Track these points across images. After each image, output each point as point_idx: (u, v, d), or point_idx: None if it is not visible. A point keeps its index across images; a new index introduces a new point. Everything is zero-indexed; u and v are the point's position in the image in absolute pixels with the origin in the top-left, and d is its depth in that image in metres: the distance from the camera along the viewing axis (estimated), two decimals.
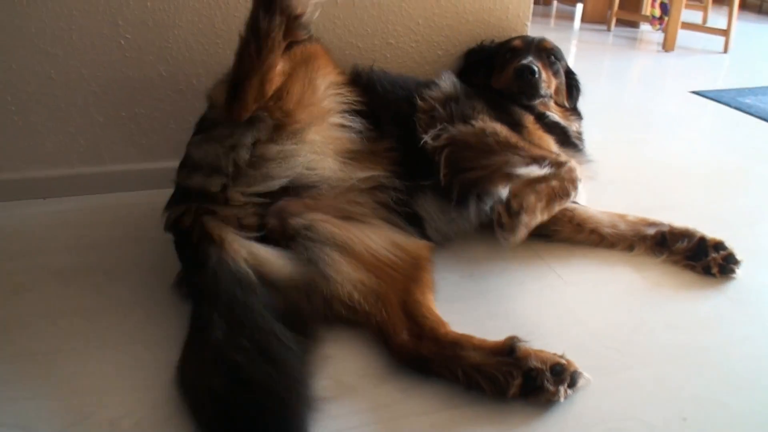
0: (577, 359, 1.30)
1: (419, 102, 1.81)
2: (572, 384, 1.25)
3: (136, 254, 1.76)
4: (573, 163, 1.64)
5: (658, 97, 3.78)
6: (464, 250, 1.83)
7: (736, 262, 1.71)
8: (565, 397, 1.25)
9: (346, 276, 1.45)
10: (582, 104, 2.13)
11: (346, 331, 1.46)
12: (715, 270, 1.71)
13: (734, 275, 1.71)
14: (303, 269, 1.42)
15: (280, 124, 1.48)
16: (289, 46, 1.48)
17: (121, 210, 1.88)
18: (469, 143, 1.69)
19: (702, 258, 1.73)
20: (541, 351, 1.28)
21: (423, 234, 1.70)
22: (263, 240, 1.45)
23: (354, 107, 1.65)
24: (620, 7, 5.73)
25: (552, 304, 1.62)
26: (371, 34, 2.19)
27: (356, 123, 1.64)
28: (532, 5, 2.31)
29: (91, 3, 1.90)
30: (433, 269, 1.61)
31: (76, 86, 1.98)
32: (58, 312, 1.51)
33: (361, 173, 1.61)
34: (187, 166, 1.55)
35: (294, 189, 1.50)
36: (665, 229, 1.81)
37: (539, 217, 1.54)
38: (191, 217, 1.45)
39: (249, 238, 1.43)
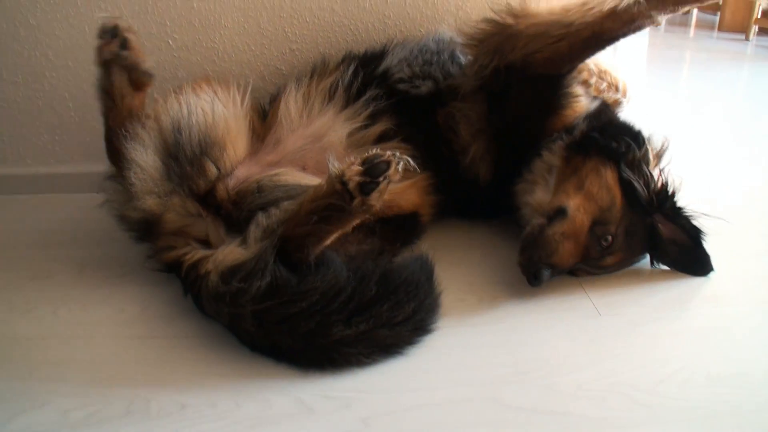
0: (590, 407, 1.20)
1: None
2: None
3: None
4: None
5: None
6: (492, 273, 1.66)
7: None
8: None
9: None
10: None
11: None
12: None
13: None
14: (259, 241, 1.43)
15: None
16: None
17: None
18: None
19: None
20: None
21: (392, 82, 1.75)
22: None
23: None
24: (764, 14, 5.13)
25: (583, 338, 1.41)
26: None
27: None
28: None
29: (140, 3, 1.96)
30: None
31: None
32: (62, 300, 1.54)
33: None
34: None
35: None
36: None
37: None
38: (169, 252, 1.52)
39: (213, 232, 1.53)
